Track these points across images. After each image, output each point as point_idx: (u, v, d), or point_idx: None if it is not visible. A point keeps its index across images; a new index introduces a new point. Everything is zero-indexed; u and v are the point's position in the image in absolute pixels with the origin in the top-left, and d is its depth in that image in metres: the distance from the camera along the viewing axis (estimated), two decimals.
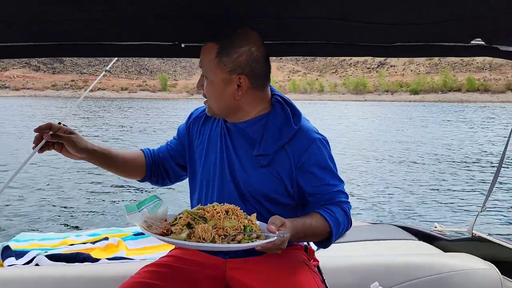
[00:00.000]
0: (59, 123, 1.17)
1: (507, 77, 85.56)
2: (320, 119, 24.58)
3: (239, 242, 0.97)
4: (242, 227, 0.99)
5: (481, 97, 71.21)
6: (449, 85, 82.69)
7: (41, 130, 1.12)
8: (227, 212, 1.01)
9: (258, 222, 1.06)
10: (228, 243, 0.96)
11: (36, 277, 1.59)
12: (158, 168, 1.38)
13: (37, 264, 1.75)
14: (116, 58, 1.58)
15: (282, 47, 1.38)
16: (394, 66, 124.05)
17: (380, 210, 6.47)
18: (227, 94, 1.16)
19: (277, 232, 0.97)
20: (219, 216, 0.99)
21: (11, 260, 1.77)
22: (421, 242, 2.07)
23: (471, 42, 1.32)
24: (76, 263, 1.75)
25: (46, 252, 1.81)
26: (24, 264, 1.75)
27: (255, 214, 1.07)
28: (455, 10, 1.10)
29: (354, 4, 1.08)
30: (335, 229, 1.14)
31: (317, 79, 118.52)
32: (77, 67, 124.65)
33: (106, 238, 2.01)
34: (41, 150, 1.14)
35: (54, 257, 1.77)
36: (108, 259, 1.80)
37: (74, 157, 1.20)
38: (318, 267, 1.32)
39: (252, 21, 1.15)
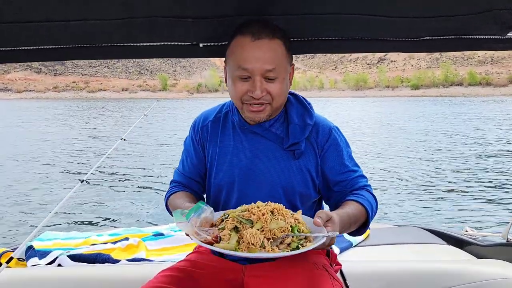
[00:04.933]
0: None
1: (509, 70, 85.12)
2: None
3: (288, 245, 0.94)
4: (290, 228, 0.95)
5: (483, 91, 70.80)
6: (450, 80, 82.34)
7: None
8: (272, 212, 0.97)
9: (303, 217, 1.03)
10: (277, 246, 0.93)
11: (58, 277, 1.61)
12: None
13: (59, 265, 1.78)
14: (156, 101, 1.56)
15: (306, 44, 1.35)
16: (394, 61, 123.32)
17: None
18: (288, 88, 1.17)
19: (322, 226, 0.93)
20: (265, 218, 0.95)
21: (34, 260, 1.80)
22: (451, 246, 1.97)
23: (508, 34, 1.25)
24: (97, 264, 1.78)
25: (69, 252, 1.84)
26: (47, 264, 1.78)
27: (300, 211, 1.02)
28: (490, 1, 1.06)
29: None
30: (371, 212, 1.14)
31: (317, 76, 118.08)
32: (78, 69, 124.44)
33: (127, 239, 2.03)
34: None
35: (75, 258, 1.80)
36: (128, 260, 1.83)
37: None
38: (341, 272, 1.28)
39: (273, 19, 1.13)
